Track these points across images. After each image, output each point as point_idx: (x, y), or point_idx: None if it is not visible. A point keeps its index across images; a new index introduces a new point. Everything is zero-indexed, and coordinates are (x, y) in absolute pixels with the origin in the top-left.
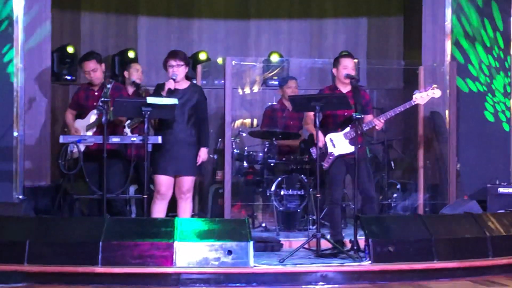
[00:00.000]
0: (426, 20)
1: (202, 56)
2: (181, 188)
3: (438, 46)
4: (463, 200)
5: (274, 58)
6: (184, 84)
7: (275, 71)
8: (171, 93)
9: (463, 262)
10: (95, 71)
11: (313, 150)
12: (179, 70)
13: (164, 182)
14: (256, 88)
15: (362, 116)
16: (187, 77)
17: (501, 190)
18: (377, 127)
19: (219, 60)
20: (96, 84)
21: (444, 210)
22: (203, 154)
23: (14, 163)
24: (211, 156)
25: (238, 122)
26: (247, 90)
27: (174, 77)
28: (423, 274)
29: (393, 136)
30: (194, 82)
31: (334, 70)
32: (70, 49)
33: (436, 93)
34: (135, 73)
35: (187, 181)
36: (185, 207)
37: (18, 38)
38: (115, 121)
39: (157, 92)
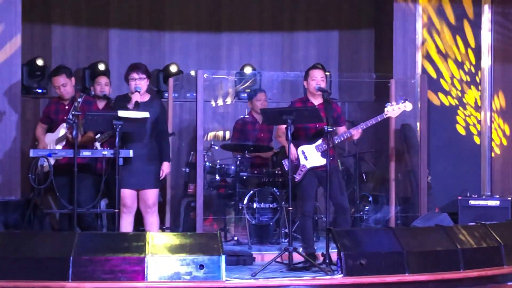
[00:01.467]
0: (397, 33)
1: (173, 68)
2: (146, 202)
3: (409, 59)
4: (434, 213)
5: (248, 70)
6: (145, 97)
7: (246, 84)
8: (138, 106)
9: (434, 275)
10: (64, 86)
11: (285, 162)
12: (141, 83)
13: (128, 195)
14: (228, 101)
15: (334, 128)
16: (151, 89)
17: (472, 202)
18: (354, 137)
19: (192, 72)
20: (67, 98)
21: (415, 222)
22: (166, 168)
23: None
24: (183, 169)
25: (210, 134)
26: (219, 102)
27: (138, 90)
28: (395, 287)
29: (364, 149)
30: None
31: (305, 83)
32: (40, 62)
33: (408, 106)
34: (98, 87)
35: (151, 194)
36: (152, 221)
37: None
38: (85, 141)
39: (120, 106)
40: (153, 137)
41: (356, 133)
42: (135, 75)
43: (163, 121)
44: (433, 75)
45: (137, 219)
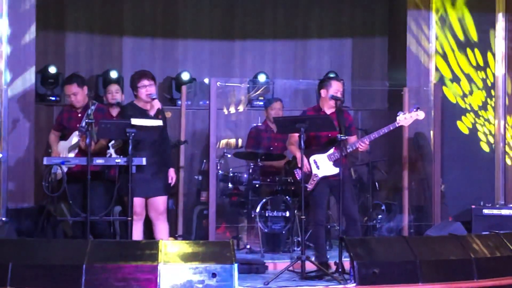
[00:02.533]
0: (411, 41)
1: (185, 76)
2: (156, 209)
3: (423, 67)
4: (447, 222)
5: (262, 78)
6: (159, 104)
7: (258, 92)
8: (159, 113)
9: (448, 284)
10: (75, 95)
11: (297, 172)
12: (152, 89)
13: (137, 203)
14: (241, 108)
15: (346, 137)
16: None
17: (485, 211)
18: (360, 149)
19: (206, 80)
20: (78, 107)
21: (429, 231)
22: (173, 174)
23: None
24: (196, 177)
25: (223, 142)
26: (232, 110)
27: (154, 97)
28: None
29: (377, 157)
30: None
31: (322, 91)
32: (52, 70)
33: (420, 115)
34: (109, 95)
35: (161, 201)
36: (163, 228)
37: (1, 59)
38: (98, 148)
39: (128, 115)
40: (160, 144)
41: (363, 145)
42: (145, 82)
43: (165, 127)
44: (448, 78)
45: (150, 228)
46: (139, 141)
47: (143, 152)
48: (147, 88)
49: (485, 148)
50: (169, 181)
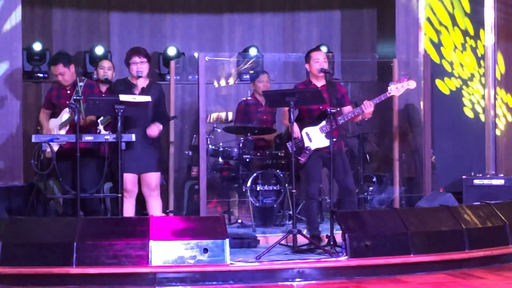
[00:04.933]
0: (399, 12)
1: (172, 51)
2: (149, 185)
3: (412, 39)
4: (438, 193)
5: (253, 52)
6: (145, 81)
7: (247, 65)
8: (143, 91)
9: (439, 256)
10: (62, 75)
11: (290, 145)
12: (143, 66)
13: (128, 179)
14: (231, 82)
15: (337, 109)
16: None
17: (476, 181)
18: (366, 111)
19: (196, 55)
20: (67, 84)
21: (420, 203)
22: (156, 128)
23: None
24: (186, 152)
25: (213, 116)
26: (222, 83)
27: (140, 75)
28: (400, 268)
29: (368, 129)
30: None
31: (307, 66)
32: (37, 46)
33: (411, 84)
34: (101, 71)
35: (154, 177)
36: (155, 203)
37: None
38: (88, 124)
39: (120, 90)
40: (153, 121)
41: (367, 107)
42: (136, 59)
43: (163, 104)
44: (436, 60)
45: (141, 204)
46: (130, 117)
47: (134, 128)
48: (138, 65)
49: (469, 114)
50: (148, 132)
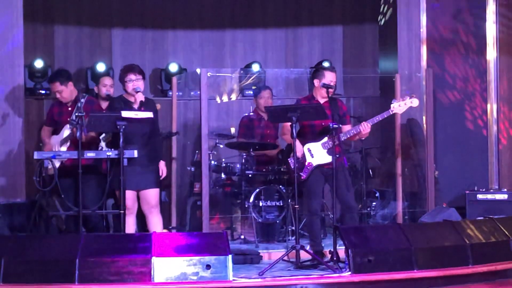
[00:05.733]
0: (401, 27)
1: (173, 67)
2: (149, 202)
3: (414, 53)
4: (442, 208)
5: (255, 67)
6: (142, 97)
7: (249, 81)
8: (142, 105)
9: (443, 271)
10: (60, 93)
11: (291, 160)
12: (139, 83)
13: (128, 196)
14: (233, 97)
15: (340, 125)
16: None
17: (479, 196)
18: (363, 133)
19: (198, 71)
20: (67, 101)
21: (423, 218)
22: (163, 166)
23: None
24: (188, 168)
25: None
26: (224, 99)
27: (139, 90)
28: (403, 283)
29: (370, 145)
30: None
31: (316, 81)
32: (39, 63)
33: (414, 102)
34: (103, 88)
35: (153, 194)
36: (156, 221)
37: None
38: (90, 141)
39: (116, 107)
40: (150, 137)
41: (365, 128)
42: (132, 76)
43: (156, 121)
44: (438, 70)
45: (142, 221)
46: (129, 133)
47: (133, 145)
48: (133, 83)
49: (471, 127)
50: (160, 174)
